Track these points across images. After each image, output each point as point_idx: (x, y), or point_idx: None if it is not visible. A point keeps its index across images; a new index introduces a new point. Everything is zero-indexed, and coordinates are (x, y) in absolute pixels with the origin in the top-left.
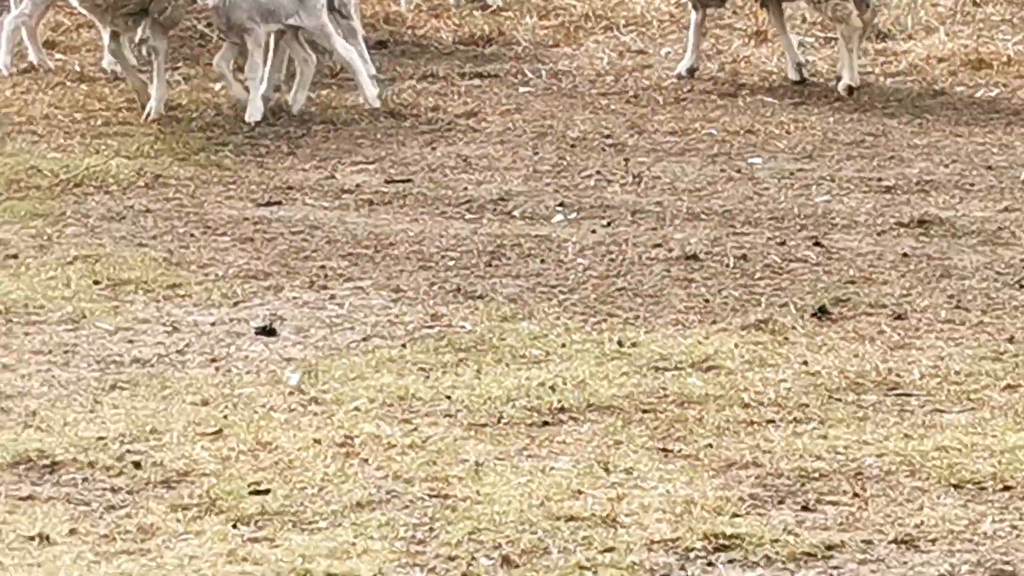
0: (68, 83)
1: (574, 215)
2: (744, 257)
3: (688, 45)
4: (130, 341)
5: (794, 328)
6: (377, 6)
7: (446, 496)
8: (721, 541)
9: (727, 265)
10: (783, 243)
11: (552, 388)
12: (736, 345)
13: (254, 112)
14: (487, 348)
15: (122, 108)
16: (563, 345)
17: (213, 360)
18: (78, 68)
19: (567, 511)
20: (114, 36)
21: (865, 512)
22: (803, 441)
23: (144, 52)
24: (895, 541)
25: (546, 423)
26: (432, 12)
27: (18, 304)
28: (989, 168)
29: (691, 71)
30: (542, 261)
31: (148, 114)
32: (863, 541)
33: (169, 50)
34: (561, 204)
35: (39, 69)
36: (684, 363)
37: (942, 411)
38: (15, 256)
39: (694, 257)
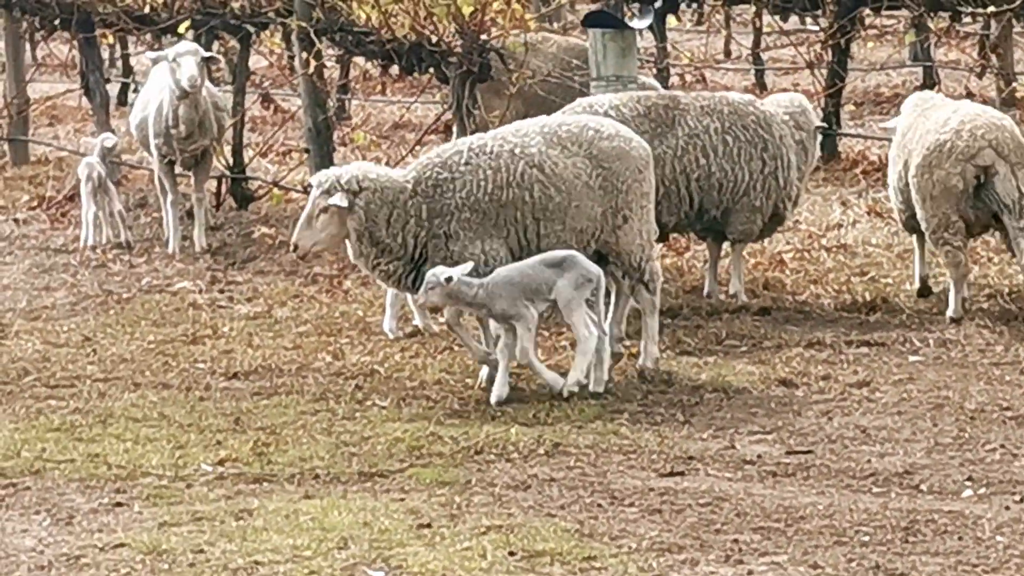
0: (455, 348)
1: (983, 490)
2: None
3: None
4: None
5: None
6: (755, 272)
7: None
8: None
9: None
10: None
11: None
12: None
13: (500, 392)
14: None
15: (512, 373)
16: None
17: None
18: None
19: None
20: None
21: None
22: None
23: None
24: None
25: None
26: (811, 278)
27: (436, 574)
28: None
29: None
30: (959, 538)
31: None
32: None
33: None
34: (969, 479)
35: (424, 333)
36: None
37: None
38: (428, 525)
39: None
